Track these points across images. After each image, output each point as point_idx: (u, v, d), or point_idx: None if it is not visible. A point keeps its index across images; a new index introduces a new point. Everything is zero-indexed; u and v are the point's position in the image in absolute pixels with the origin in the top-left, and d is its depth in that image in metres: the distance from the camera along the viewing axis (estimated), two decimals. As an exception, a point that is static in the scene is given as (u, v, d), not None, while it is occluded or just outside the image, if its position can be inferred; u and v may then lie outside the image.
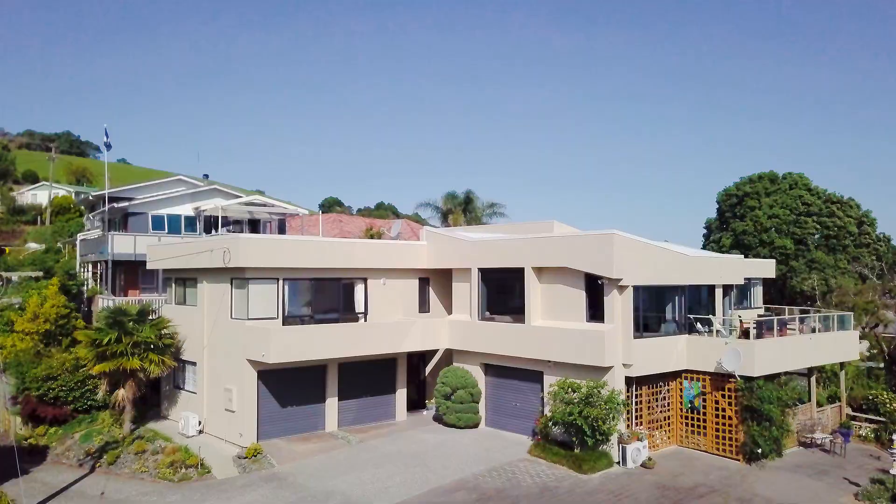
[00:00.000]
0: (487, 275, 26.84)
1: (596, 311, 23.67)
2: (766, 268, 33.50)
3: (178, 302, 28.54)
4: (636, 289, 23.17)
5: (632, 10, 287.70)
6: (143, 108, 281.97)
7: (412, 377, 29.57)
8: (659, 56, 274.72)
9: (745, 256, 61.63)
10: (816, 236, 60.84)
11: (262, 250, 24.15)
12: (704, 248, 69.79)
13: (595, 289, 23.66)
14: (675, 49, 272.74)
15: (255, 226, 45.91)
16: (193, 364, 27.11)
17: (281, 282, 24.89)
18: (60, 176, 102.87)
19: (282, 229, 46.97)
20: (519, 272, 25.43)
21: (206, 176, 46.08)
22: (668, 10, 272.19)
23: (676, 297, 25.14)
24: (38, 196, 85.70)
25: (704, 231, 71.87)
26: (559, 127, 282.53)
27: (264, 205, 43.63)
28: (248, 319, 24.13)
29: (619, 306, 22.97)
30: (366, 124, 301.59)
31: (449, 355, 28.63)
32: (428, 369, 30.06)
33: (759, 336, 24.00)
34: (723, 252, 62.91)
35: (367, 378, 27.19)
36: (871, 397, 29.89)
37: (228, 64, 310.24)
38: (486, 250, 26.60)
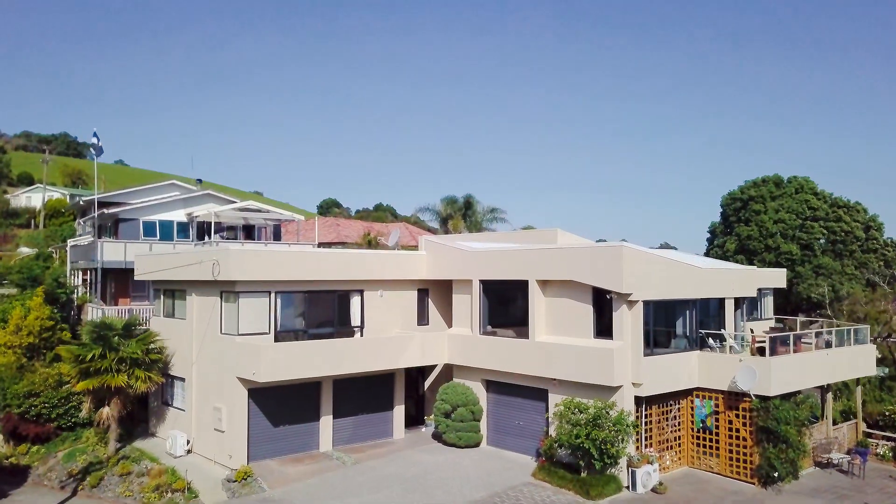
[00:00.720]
0: (489, 287, 25.69)
1: (604, 327, 22.52)
2: (778, 277, 32.36)
3: (166, 314, 27.38)
4: (646, 304, 22.04)
5: (633, 10, 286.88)
6: (141, 110, 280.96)
7: (410, 392, 28.42)
8: (661, 58, 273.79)
9: (751, 262, 60.94)
10: (822, 241, 59.76)
11: (253, 262, 23.00)
12: (708, 253, 68.67)
13: (603, 303, 22.53)
14: (678, 51, 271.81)
15: (249, 231, 44.79)
16: (182, 380, 25.96)
17: (273, 295, 23.73)
18: (56, 178, 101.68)
19: (277, 235, 45.85)
20: (522, 285, 24.28)
21: (200, 181, 44.90)
22: (670, 10, 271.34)
23: (687, 311, 23.99)
24: (32, 199, 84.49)
25: (708, 235, 70.82)
26: (560, 129, 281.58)
27: (259, 210, 42.42)
28: (238, 335, 22.98)
29: (629, 322, 21.83)
30: (364, 125, 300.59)
31: (449, 369, 27.48)
32: (427, 383, 28.89)
33: (773, 352, 22.85)
34: (727, 257, 61.85)
35: (363, 394, 26.05)
36: (888, 413, 28.79)
37: (227, 65, 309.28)
38: (488, 261, 25.46)
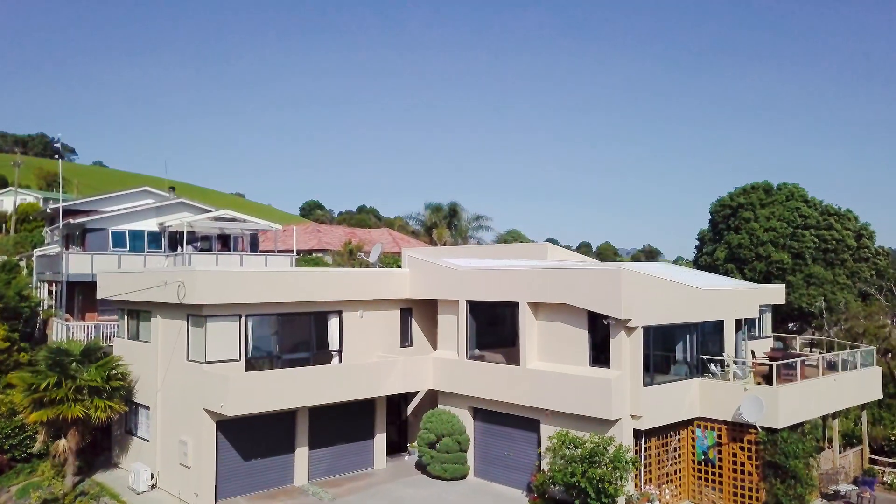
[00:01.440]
0: (477, 308, 24.06)
1: (600, 354, 20.97)
2: (777, 294, 30.98)
3: (130, 336, 25.51)
4: (646, 329, 20.51)
5: (625, 16, 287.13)
6: (123, 110, 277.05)
7: (392, 417, 26.73)
8: (651, 63, 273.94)
9: (741, 270, 59.67)
10: (812, 249, 58.61)
11: (221, 284, 21.24)
12: (697, 260, 67.37)
13: (599, 328, 20.95)
14: (667, 56, 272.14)
15: (225, 241, 42.89)
16: (147, 408, 24.11)
17: (244, 318, 21.99)
18: (31, 181, 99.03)
19: (254, 244, 43.99)
20: (513, 307, 22.72)
21: (173, 188, 42.95)
22: (661, 17, 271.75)
23: (687, 335, 22.50)
24: (3, 202, 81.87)
25: (697, 243, 69.64)
26: (546, 133, 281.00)
27: (234, 219, 40.58)
28: (206, 362, 21.19)
29: (627, 350, 20.30)
30: (349, 127, 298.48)
31: (434, 392, 25.82)
32: (410, 408, 27.25)
33: (778, 377, 21.36)
34: (717, 265, 60.58)
35: (341, 422, 24.33)
36: (893, 438, 27.48)
37: (213, 66, 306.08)
38: (476, 280, 23.82)
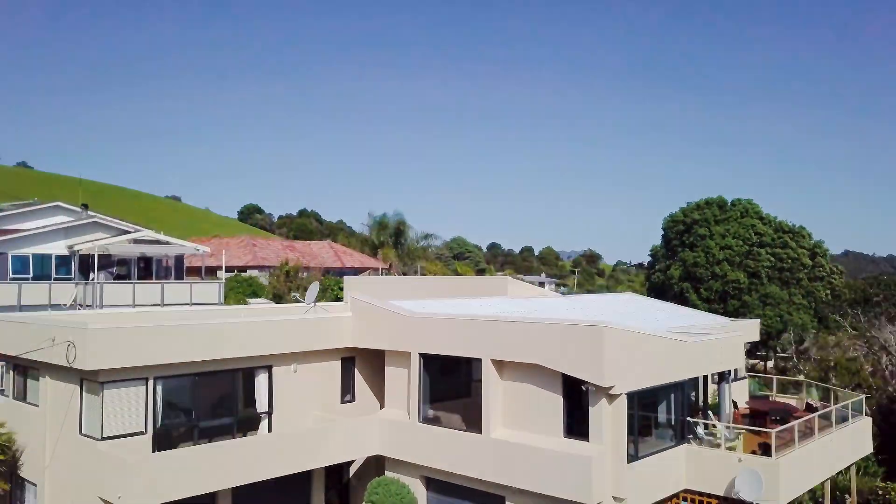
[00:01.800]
0: (432, 362, 20.77)
1: (576, 422, 17.95)
2: (752, 330, 28.61)
3: (16, 396, 21.37)
4: (630, 396, 17.59)
5: (593, 25, 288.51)
6: (54, 108, 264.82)
7: (332, 481, 23.21)
8: (608, 74, 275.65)
9: (696, 290, 57.87)
10: (767, 268, 57.24)
11: (122, 344, 17.42)
12: (650, 278, 65.57)
13: (575, 392, 17.95)
14: (625, 68, 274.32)
15: (147, 264, 38.74)
16: (34, 485, 20.07)
17: (152, 382, 18.24)
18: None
19: (179, 268, 39.86)
20: (474, 363, 19.55)
21: (86, 206, 38.32)
22: (617, 32, 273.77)
23: (672, 395, 19.69)
24: None
25: (649, 259, 67.93)
26: (492, 138, 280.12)
27: (156, 241, 36.48)
28: (102, 438, 17.38)
29: (609, 420, 17.35)
30: (289, 128, 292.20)
31: (380, 455, 22.43)
32: (353, 469, 23.79)
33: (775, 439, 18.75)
34: (672, 284, 58.79)
35: (272, 498, 20.68)
36: (880, 491, 25.33)
37: (150, 62, 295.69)
38: (431, 330, 20.50)
